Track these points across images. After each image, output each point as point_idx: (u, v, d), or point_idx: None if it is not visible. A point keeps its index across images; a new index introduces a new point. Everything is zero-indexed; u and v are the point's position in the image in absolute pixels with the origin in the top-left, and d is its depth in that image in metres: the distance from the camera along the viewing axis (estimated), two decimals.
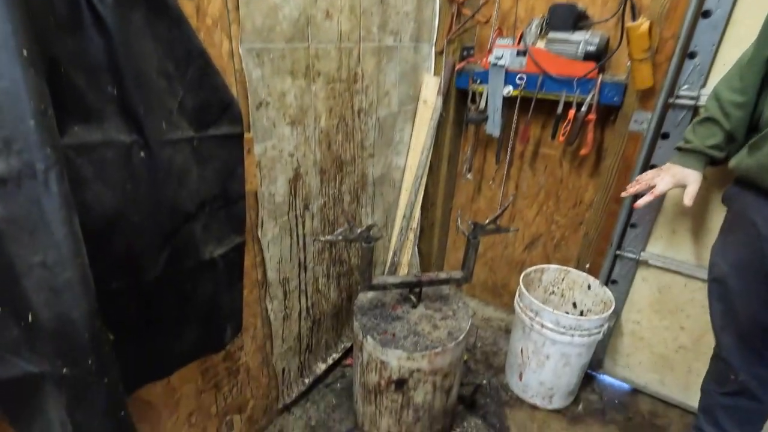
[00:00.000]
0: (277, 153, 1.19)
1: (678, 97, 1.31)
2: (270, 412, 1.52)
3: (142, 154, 0.80)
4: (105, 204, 0.76)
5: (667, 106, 1.34)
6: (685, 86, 1.30)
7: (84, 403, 0.64)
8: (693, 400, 1.62)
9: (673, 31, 1.28)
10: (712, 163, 1.20)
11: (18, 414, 0.69)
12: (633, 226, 1.53)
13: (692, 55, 1.27)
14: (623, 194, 1.35)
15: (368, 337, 1.27)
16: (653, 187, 1.26)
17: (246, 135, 1.05)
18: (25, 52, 0.53)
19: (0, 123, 0.52)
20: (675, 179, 1.23)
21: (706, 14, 1.22)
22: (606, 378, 1.80)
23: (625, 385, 1.77)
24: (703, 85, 1.29)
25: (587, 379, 1.76)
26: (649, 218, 1.49)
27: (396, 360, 1.24)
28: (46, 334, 0.60)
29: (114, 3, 0.70)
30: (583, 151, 1.59)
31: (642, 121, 1.42)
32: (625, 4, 1.39)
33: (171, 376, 1.05)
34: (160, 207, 0.86)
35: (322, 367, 1.71)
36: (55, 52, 0.65)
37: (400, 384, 1.28)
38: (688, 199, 1.22)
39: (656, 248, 1.53)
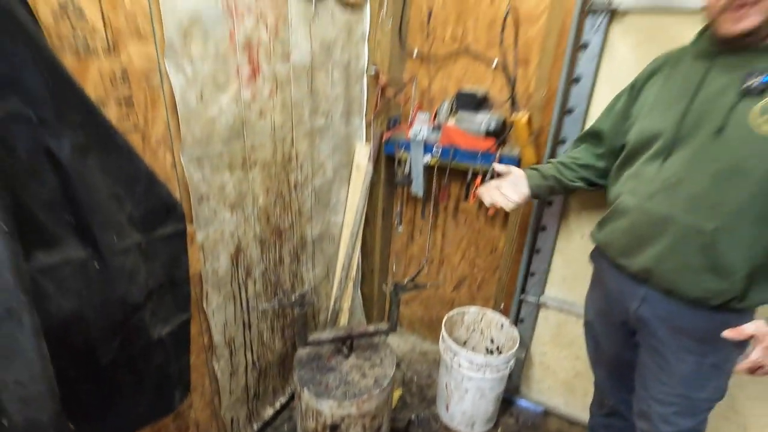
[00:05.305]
0: (218, 235, 1.37)
1: None
2: None
3: (97, 265, 0.97)
4: (65, 311, 0.92)
5: None
6: None
7: None
8: None
9: (547, 121, 1.59)
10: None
11: None
12: (532, 274, 1.81)
13: (563, 141, 1.58)
14: None
15: (305, 389, 1.46)
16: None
17: (189, 227, 1.23)
18: (4, 226, 0.70)
19: None
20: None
21: (570, 111, 1.53)
22: (523, 402, 2.07)
23: (539, 408, 2.04)
24: None
25: (506, 404, 2.02)
26: (544, 268, 1.78)
27: (329, 408, 1.43)
28: None
29: (71, 150, 0.88)
30: (490, 212, 1.87)
31: None
32: (510, 98, 1.70)
33: None
34: (112, 304, 1.02)
35: (270, 411, 1.87)
36: (20, 194, 0.81)
37: (334, 428, 1.47)
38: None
39: (552, 292, 1.83)
